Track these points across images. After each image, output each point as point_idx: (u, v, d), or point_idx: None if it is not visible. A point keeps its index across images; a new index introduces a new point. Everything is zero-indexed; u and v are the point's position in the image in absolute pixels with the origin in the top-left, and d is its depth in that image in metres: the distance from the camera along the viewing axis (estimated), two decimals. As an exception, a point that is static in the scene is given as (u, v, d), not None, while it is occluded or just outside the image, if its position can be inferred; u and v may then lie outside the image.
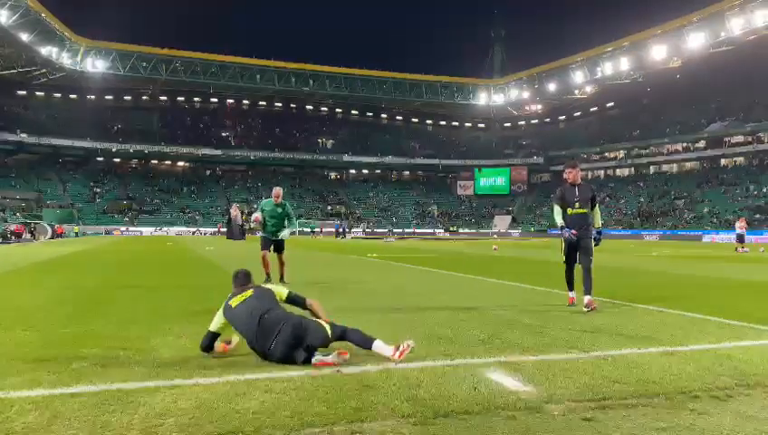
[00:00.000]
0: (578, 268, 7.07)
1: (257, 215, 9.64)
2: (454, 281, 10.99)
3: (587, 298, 6.70)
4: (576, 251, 7.03)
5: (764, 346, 4.93)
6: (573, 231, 6.94)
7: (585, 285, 6.77)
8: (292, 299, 4.70)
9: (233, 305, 4.39)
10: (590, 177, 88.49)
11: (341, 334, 4.28)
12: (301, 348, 4.06)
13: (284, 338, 4.06)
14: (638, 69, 74.79)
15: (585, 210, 6.96)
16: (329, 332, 4.22)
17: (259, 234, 10.02)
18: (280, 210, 9.69)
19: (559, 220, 7.12)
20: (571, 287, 7.21)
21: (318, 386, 3.56)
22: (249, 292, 4.49)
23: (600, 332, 5.46)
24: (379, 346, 4.22)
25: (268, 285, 4.72)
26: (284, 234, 9.76)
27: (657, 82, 79.22)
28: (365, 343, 4.27)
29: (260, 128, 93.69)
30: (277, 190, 9.82)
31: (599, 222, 7.06)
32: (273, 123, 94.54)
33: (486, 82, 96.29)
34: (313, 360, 4.02)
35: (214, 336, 4.38)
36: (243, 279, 4.75)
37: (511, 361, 4.26)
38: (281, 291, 4.66)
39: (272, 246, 9.69)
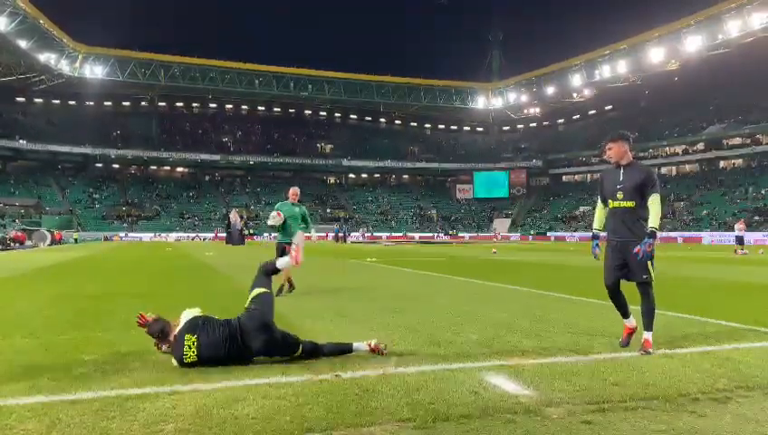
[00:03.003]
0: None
1: (276, 212, 9.20)
2: (453, 284, 10.98)
3: (644, 335, 4.80)
4: (619, 266, 4.89)
5: (764, 348, 4.94)
6: (597, 250, 5.12)
7: (643, 317, 4.86)
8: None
9: (190, 362, 4.11)
10: (588, 179, 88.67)
11: (316, 351, 4.50)
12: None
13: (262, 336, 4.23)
14: (636, 71, 74.87)
15: (631, 203, 4.80)
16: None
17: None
18: (297, 210, 9.39)
19: (594, 224, 5.20)
20: (624, 313, 5.07)
21: (317, 391, 3.56)
22: (192, 337, 4.14)
23: (599, 334, 5.46)
24: (359, 347, 4.60)
25: (190, 315, 4.33)
26: (312, 235, 9.55)
27: (655, 84, 79.32)
28: (346, 349, 4.61)
29: (259, 133, 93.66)
30: (294, 190, 9.51)
31: (657, 220, 4.72)
32: (271, 128, 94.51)
33: (485, 85, 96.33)
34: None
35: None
36: (159, 327, 4.25)
37: (510, 364, 4.26)
38: (195, 311, 4.42)
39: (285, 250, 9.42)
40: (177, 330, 4.21)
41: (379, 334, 5.46)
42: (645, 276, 4.78)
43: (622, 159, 4.92)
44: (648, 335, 4.78)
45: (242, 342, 4.18)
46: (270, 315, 4.38)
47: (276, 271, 4.92)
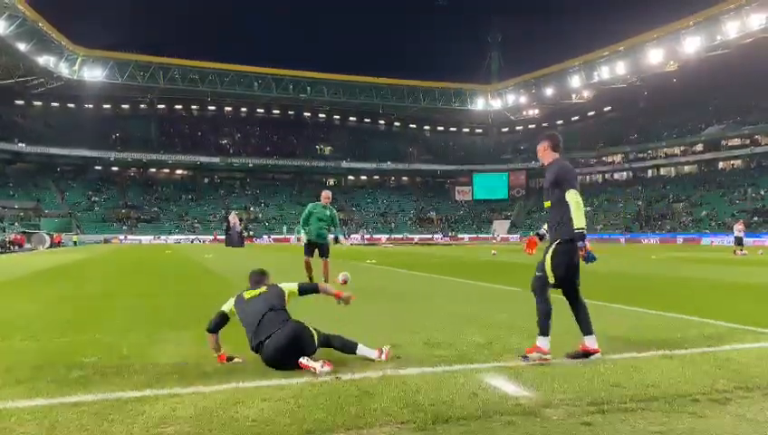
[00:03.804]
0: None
1: (344, 239, 9.93)
2: (452, 286, 10.99)
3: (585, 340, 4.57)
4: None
5: (763, 349, 4.94)
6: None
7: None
8: (304, 290, 4.82)
9: (245, 298, 4.57)
10: (588, 181, 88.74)
11: (326, 341, 4.42)
12: (291, 355, 4.14)
13: (279, 341, 4.15)
14: (635, 73, 74.91)
15: (548, 203, 4.65)
16: (316, 340, 4.33)
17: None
18: (328, 213, 9.85)
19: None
20: (581, 328, 4.68)
21: (317, 393, 3.56)
22: (263, 288, 4.65)
23: (598, 336, 5.44)
24: (362, 350, 4.45)
25: (281, 284, 4.76)
26: (341, 240, 10.21)
27: (654, 85, 79.39)
28: (348, 347, 4.46)
29: (258, 135, 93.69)
30: (326, 193, 10.07)
31: (577, 220, 4.36)
32: (271, 130, 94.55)
33: (484, 87, 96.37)
34: (302, 359, 4.11)
35: (223, 317, 4.55)
36: (257, 277, 4.92)
37: (510, 366, 4.27)
38: (291, 287, 4.72)
39: (316, 251, 9.74)
40: (266, 284, 4.78)
41: (379, 336, 5.46)
42: (538, 274, 4.57)
43: (545, 159, 4.77)
44: (538, 341, 4.47)
45: (262, 332, 4.24)
46: (294, 350, 4.21)
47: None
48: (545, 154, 4.77)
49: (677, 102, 79.91)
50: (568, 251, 4.46)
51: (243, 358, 4.42)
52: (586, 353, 4.51)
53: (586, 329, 4.58)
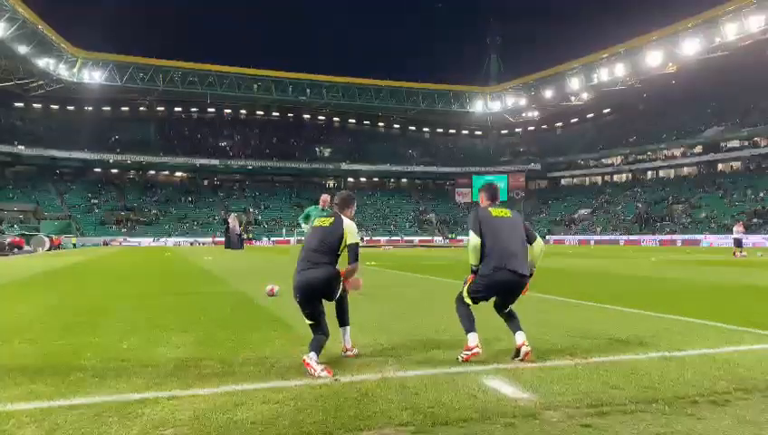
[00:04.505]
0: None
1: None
2: (452, 288, 10.96)
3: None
4: None
5: (763, 351, 4.94)
6: None
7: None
8: (350, 250, 4.63)
9: (315, 224, 4.79)
10: (587, 183, 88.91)
11: (339, 302, 4.73)
12: (316, 295, 4.48)
13: (311, 277, 4.40)
14: (634, 75, 74.88)
15: None
16: (338, 294, 4.64)
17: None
18: (325, 215, 9.87)
19: None
20: (466, 330, 4.86)
21: (316, 395, 3.56)
22: (330, 220, 4.67)
23: (598, 338, 5.46)
24: (345, 333, 4.77)
25: (347, 226, 4.63)
26: None
27: (653, 87, 79.32)
28: (342, 322, 4.78)
29: (257, 137, 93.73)
30: (325, 197, 10.11)
31: (469, 258, 5.02)
32: (270, 133, 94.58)
33: (483, 89, 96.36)
34: (306, 357, 4.18)
35: None
36: (339, 200, 4.94)
37: (509, 368, 4.27)
38: (350, 236, 4.60)
39: None
40: (343, 218, 4.69)
41: (379, 338, 5.47)
42: (459, 291, 5.04)
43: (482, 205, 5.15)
44: (468, 339, 4.69)
45: (306, 262, 4.47)
46: (321, 292, 4.55)
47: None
48: (482, 203, 5.14)
49: (677, 104, 79.98)
50: (477, 281, 4.93)
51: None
52: (518, 350, 4.66)
53: (514, 328, 4.89)
